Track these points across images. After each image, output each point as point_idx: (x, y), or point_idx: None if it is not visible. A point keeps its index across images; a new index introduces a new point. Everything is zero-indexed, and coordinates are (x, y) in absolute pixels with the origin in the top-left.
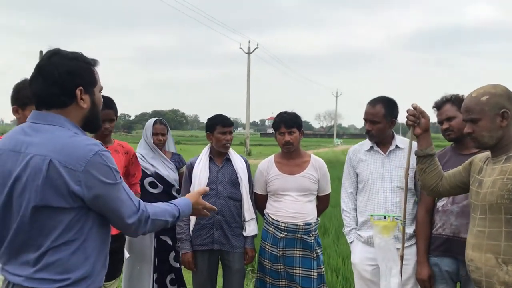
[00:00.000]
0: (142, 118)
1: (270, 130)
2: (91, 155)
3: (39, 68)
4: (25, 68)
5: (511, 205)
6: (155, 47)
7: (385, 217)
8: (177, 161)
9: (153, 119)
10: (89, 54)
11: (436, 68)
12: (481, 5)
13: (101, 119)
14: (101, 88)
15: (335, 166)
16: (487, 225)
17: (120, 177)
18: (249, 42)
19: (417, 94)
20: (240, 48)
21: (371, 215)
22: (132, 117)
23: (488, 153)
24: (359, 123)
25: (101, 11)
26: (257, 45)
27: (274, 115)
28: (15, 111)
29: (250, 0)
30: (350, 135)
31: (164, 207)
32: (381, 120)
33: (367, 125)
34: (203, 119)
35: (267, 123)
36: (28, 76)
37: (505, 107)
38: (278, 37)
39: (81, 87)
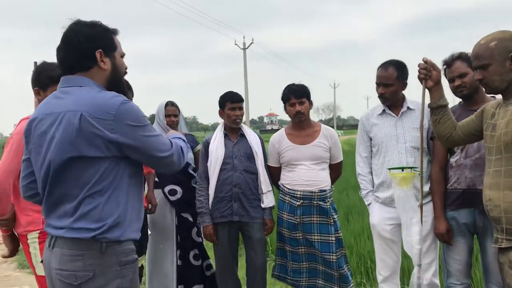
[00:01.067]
0: None
1: (269, 127)
2: (118, 104)
3: (62, 39)
4: (20, 80)
5: None
6: (149, 51)
7: (402, 170)
8: (191, 141)
9: (164, 101)
10: None
11: (433, 54)
12: None
13: (125, 85)
14: (123, 54)
15: None
16: (503, 164)
17: (148, 121)
18: (244, 37)
19: (416, 80)
20: (236, 44)
21: (389, 169)
22: None
23: (498, 100)
24: (358, 114)
25: (92, 18)
26: (252, 40)
27: (273, 111)
28: (36, 93)
29: None
30: (350, 126)
31: (178, 140)
32: (394, 82)
33: (380, 89)
34: (202, 120)
35: (265, 119)
36: (25, 89)
37: None
38: (272, 33)
39: (100, 50)
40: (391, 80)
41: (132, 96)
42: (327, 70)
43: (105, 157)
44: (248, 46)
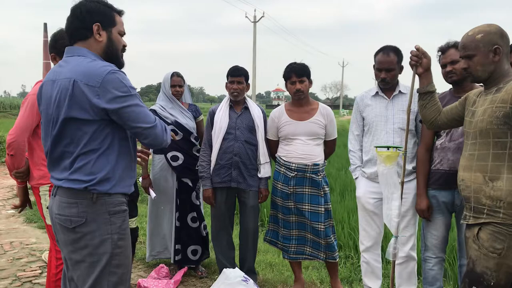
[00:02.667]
0: (148, 91)
1: (276, 102)
2: (105, 73)
3: (71, 9)
4: (30, 41)
5: (498, 130)
6: (159, 19)
7: (388, 148)
8: (194, 111)
9: (171, 72)
10: None
11: (442, 38)
12: None
13: (121, 59)
14: (122, 32)
15: (342, 134)
16: (477, 148)
17: (136, 93)
18: (255, 11)
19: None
20: (246, 17)
21: (376, 147)
22: (138, 89)
23: (481, 88)
24: None
25: None
26: (263, 13)
27: (280, 87)
28: (53, 58)
29: None
30: None
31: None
32: (395, 67)
33: (383, 74)
34: (209, 91)
35: (272, 95)
36: (33, 50)
37: (497, 43)
38: (283, 8)
39: (98, 24)
40: (393, 65)
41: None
42: (336, 48)
43: (94, 120)
44: (259, 20)
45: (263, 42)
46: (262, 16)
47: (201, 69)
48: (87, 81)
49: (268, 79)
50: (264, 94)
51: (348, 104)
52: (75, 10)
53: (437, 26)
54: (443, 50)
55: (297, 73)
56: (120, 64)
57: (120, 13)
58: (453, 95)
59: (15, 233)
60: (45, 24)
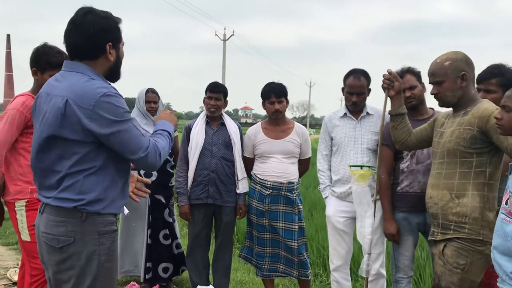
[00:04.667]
0: None
1: (244, 120)
2: (99, 95)
3: (74, 24)
4: None
5: (465, 150)
6: (127, 35)
7: (361, 168)
8: None
9: (145, 88)
10: (56, 41)
11: (405, 61)
12: (446, 1)
13: (121, 71)
14: (123, 43)
15: None
16: (444, 167)
17: (130, 117)
18: (224, 29)
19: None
20: (216, 35)
21: (350, 166)
22: None
23: (449, 111)
24: None
25: None
26: (233, 32)
27: (248, 105)
28: (34, 73)
29: None
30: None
31: (163, 139)
32: (365, 90)
33: (354, 97)
34: (176, 107)
35: (240, 112)
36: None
37: (464, 70)
38: (252, 27)
39: (110, 43)
40: (363, 89)
41: None
42: (303, 69)
43: (84, 142)
44: (229, 38)
45: (232, 60)
46: (232, 35)
47: (168, 86)
48: (80, 103)
49: (236, 96)
50: (232, 112)
51: (315, 123)
52: (86, 28)
53: (399, 49)
54: (399, 76)
55: (276, 94)
56: (119, 76)
57: (120, 22)
58: (411, 119)
59: None
60: (8, 36)
